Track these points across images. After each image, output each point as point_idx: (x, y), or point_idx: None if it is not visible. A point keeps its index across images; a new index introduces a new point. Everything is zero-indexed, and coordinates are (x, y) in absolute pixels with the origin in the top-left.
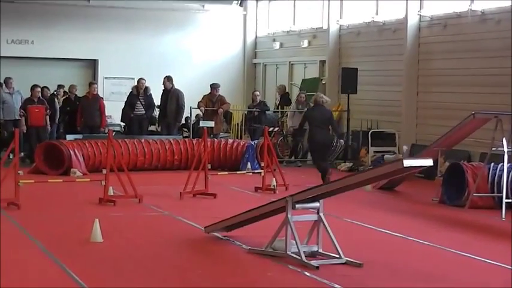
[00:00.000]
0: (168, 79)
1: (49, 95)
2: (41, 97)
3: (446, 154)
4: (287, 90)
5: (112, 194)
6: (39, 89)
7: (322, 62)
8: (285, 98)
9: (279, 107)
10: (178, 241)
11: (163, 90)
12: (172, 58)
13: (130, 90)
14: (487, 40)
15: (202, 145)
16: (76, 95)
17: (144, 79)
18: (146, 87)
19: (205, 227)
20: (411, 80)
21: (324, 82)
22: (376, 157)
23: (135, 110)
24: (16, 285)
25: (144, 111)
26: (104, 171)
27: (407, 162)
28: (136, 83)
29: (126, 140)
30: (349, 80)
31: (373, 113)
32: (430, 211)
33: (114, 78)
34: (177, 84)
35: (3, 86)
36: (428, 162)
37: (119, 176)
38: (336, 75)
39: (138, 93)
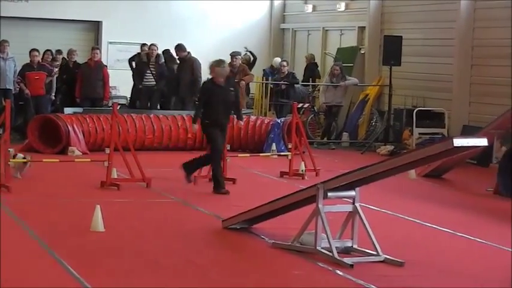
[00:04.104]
0: (179, 48)
1: (50, 60)
2: (41, 62)
3: (504, 137)
4: (315, 60)
5: (116, 176)
6: (37, 53)
7: (361, 29)
8: (310, 69)
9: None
10: (192, 232)
11: (178, 59)
12: (187, 22)
13: (137, 54)
14: None
15: None
16: (75, 61)
17: (156, 45)
18: (158, 55)
19: (222, 221)
20: (464, 52)
21: (362, 52)
22: (421, 140)
23: (145, 80)
24: (4, 278)
25: (155, 82)
26: (107, 150)
27: (458, 142)
28: (146, 49)
29: (132, 115)
30: (392, 50)
31: (420, 88)
32: (483, 203)
33: (121, 43)
34: (193, 53)
35: None
36: (483, 142)
37: (124, 156)
38: (377, 45)
39: (149, 61)
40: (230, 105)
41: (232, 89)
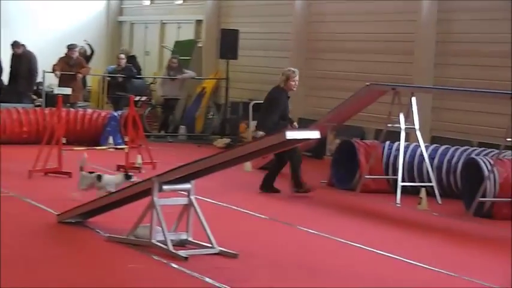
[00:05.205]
0: (15, 45)
1: None
2: None
3: (338, 130)
4: (131, 54)
5: None
6: None
7: (199, 22)
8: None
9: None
10: (26, 227)
11: (13, 54)
12: (21, 19)
13: None
14: (387, 0)
15: (56, 115)
16: None
17: None
18: None
19: (58, 215)
20: (300, 45)
21: (200, 45)
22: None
23: None
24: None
25: None
26: None
27: (290, 134)
28: None
29: None
30: (229, 43)
31: (256, 81)
32: (317, 195)
33: None
34: (32, 48)
35: None
36: (315, 134)
37: None
38: (214, 38)
39: None
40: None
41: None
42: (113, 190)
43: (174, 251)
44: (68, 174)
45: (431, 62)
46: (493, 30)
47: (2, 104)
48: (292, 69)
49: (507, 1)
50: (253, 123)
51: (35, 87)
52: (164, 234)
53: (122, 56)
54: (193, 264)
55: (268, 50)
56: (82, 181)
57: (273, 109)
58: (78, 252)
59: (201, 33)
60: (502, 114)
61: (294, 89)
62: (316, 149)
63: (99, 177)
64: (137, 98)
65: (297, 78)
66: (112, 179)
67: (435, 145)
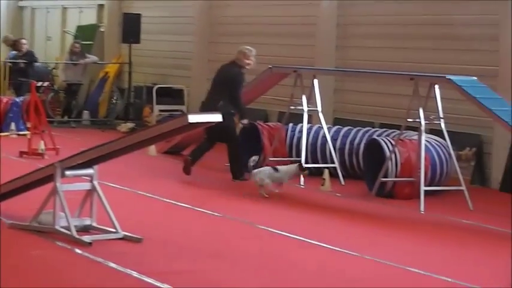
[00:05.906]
0: None
1: None
2: None
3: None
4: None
5: None
6: None
7: (101, 7)
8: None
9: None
10: None
11: None
12: None
13: None
14: None
15: None
16: None
17: None
18: None
19: None
20: (203, 29)
21: (102, 30)
22: (162, 117)
23: None
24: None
25: None
26: None
27: (193, 118)
28: None
29: None
30: (131, 27)
31: (160, 66)
32: (222, 178)
33: None
34: None
35: None
36: (217, 117)
37: None
38: (116, 22)
39: None
40: None
41: None
42: (286, 181)
43: (77, 236)
44: None
45: (333, 45)
46: (393, 12)
47: None
48: (249, 47)
49: None
50: (157, 108)
51: None
52: (67, 220)
53: (24, 41)
54: (97, 249)
55: (171, 34)
56: (262, 175)
57: (239, 90)
58: None
59: (103, 17)
60: (403, 95)
61: (248, 67)
62: None
63: (275, 169)
64: (39, 84)
65: (252, 57)
66: (288, 170)
67: (338, 127)
